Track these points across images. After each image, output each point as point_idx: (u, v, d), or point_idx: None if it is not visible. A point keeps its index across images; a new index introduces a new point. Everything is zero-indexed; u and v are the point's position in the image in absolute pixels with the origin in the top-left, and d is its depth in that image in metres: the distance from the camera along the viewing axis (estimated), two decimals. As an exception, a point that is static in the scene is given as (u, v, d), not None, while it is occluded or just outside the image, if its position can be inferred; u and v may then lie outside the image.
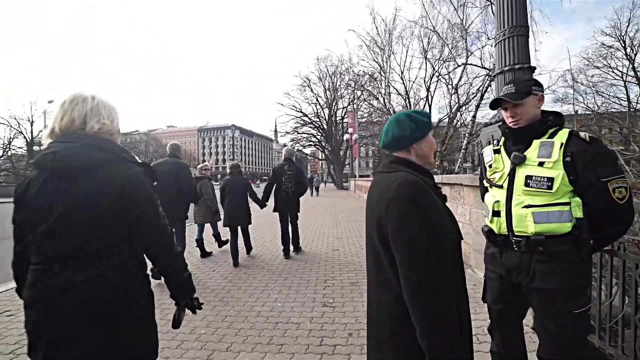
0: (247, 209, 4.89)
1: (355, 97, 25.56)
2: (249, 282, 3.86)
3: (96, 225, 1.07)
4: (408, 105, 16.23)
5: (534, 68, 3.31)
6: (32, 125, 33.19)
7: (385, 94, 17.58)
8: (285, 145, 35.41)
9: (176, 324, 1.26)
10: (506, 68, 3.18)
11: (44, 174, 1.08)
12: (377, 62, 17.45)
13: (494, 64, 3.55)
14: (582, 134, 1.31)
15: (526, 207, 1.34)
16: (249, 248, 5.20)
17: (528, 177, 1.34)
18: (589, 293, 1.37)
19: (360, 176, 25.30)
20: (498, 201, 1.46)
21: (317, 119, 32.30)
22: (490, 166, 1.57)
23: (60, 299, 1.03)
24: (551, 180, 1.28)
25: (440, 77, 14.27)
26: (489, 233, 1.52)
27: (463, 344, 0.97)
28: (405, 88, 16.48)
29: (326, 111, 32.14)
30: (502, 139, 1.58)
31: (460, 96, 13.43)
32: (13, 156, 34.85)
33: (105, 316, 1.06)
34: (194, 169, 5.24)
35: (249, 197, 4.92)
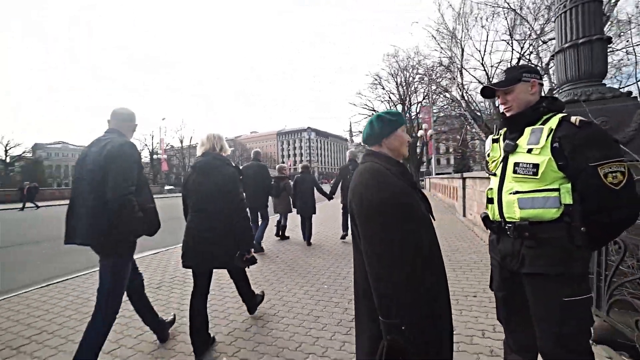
0: (313, 201, 6.00)
1: (430, 90, 24.12)
2: (304, 267, 4.32)
3: (216, 196, 2.17)
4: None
5: (609, 39, 2.87)
6: (152, 139, 41.64)
7: (460, 84, 16.21)
8: (359, 144, 35.58)
9: (239, 264, 2.28)
10: (567, 45, 2.85)
11: (195, 171, 2.26)
12: (450, 51, 16.22)
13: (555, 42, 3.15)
14: (573, 118, 1.25)
15: (514, 193, 1.34)
16: (310, 235, 5.95)
17: (516, 164, 1.34)
18: (587, 284, 1.29)
19: (438, 174, 23.63)
20: (491, 188, 1.49)
21: (391, 116, 31.50)
22: (489, 155, 1.59)
23: (200, 229, 2.18)
24: (536, 166, 1.26)
25: (524, 57, 12.46)
26: (485, 219, 1.54)
27: (425, 323, 1.07)
28: (487, 74, 14.88)
29: (399, 107, 31.13)
30: (505, 128, 1.57)
31: (552, 77, 11.48)
32: (142, 164, 44.86)
33: (220, 240, 2.17)
34: (273, 169, 6.35)
35: (315, 191, 6.07)
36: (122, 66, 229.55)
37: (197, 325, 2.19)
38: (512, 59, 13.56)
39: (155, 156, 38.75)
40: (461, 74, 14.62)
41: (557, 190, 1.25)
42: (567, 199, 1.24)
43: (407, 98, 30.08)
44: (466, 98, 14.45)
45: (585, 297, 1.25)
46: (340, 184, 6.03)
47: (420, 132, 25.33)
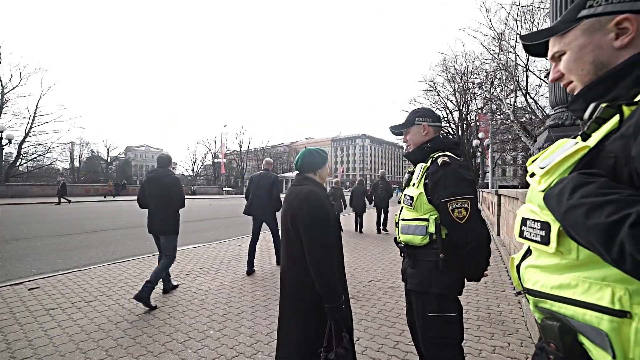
0: (364, 203, 9.06)
1: (490, 95, 22.38)
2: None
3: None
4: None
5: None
6: (215, 144, 46.83)
7: (522, 89, 14.91)
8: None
9: None
10: None
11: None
12: (512, 52, 15.02)
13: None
14: (440, 159, 1.43)
15: (402, 220, 1.58)
16: (361, 227, 8.89)
17: (404, 195, 1.58)
18: (450, 305, 1.45)
19: (502, 186, 21.36)
20: (396, 214, 1.71)
21: (447, 124, 29.88)
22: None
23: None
24: (412, 198, 1.49)
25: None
26: (395, 240, 1.75)
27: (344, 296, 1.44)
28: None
29: (456, 115, 29.42)
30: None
31: None
32: (206, 166, 50.44)
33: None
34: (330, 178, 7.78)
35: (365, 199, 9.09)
36: (189, 72, 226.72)
37: None
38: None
39: (215, 160, 43.78)
40: (515, 76, 13.43)
41: (427, 220, 1.45)
42: (432, 228, 1.43)
43: (465, 105, 28.27)
44: (516, 114, 13.21)
45: (447, 315, 1.42)
46: (373, 195, 8.85)
47: (475, 142, 23.62)
